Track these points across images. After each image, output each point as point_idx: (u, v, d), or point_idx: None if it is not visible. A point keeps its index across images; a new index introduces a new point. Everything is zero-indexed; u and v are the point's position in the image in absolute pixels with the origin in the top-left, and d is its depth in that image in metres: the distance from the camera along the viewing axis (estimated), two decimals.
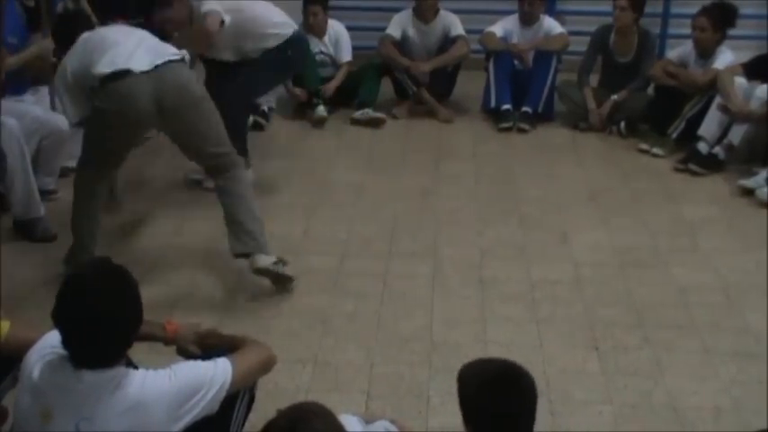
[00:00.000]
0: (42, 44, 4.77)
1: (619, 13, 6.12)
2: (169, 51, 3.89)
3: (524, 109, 6.39)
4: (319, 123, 6.27)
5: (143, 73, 3.72)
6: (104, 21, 5.67)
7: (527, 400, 2.18)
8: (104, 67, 3.72)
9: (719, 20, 5.72)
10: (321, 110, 6.33)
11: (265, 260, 3.92)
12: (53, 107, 4.90)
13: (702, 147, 5.54)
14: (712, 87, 5.61)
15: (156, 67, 3.76)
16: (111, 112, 3.74)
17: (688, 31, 5.97)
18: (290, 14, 6.65)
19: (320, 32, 6.57)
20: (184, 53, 3.95)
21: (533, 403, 2.18)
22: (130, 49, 3.80)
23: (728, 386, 3.36)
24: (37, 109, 4.81)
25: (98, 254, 2.32)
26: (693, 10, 5.96)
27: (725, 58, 5.75)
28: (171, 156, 5.98)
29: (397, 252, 4.43)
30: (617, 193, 5.28)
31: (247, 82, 4.99)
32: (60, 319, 2.14)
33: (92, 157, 3.96)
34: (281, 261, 3.95)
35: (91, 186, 3.98)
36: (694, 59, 5.89)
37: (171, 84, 3.78)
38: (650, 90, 6.28)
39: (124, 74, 3.71)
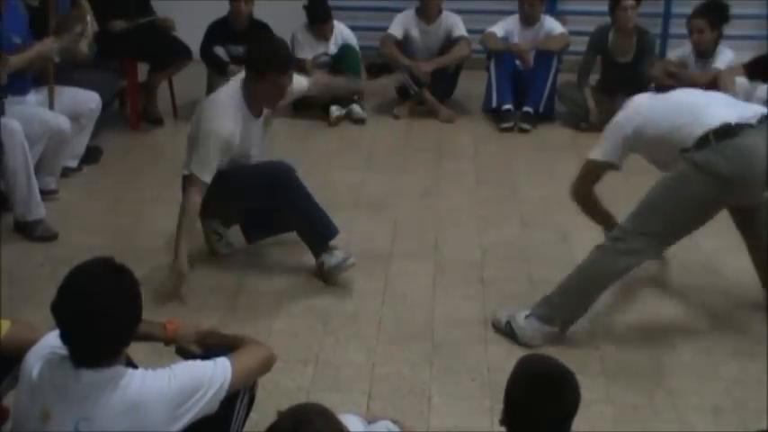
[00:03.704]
0: (45, 44, 4.74)
1: (631, 13, 6.13)
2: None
3: (525, 109, 6.40)
4: (336, 123, 6.29)
5: (753, 127, 3.36)
6: (105, 21, 5.73)
7: (567, 407, 2.20)
8: (710, 119, 3.38)
9: (716, 18, 5.72)
10: (334, 110, 6.37)
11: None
12: (52, 107, 4.90)
13: None
14: (713, 87, 5.60)
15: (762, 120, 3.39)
16: (727, 176, 3.32)
17: None
18: (290, 14, 6.74)
19: (326, 38, 6.59)
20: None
21: (574, 409, 2.21)
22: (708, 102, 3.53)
23: (728, 386, 3.36)
24: (45, 112, 4.80)
25: (99, 254, 2.32)
26: None
27: (725, 57, 5.75)
28: (170, 155, 6.01)
29: (397, 252, 4.43)
30: (618, 192, 5.26)
31: None
32: (60, 313, 2.15)
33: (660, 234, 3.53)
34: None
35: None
36: (694, 60, 5.89)
37: None
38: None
39: (739, 129, 3.34)
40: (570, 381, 2.22)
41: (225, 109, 3.90)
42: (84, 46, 5.14)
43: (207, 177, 3.87)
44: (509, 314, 3.64)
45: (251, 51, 4.03)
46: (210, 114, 3.91)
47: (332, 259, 4.04)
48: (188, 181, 3.94)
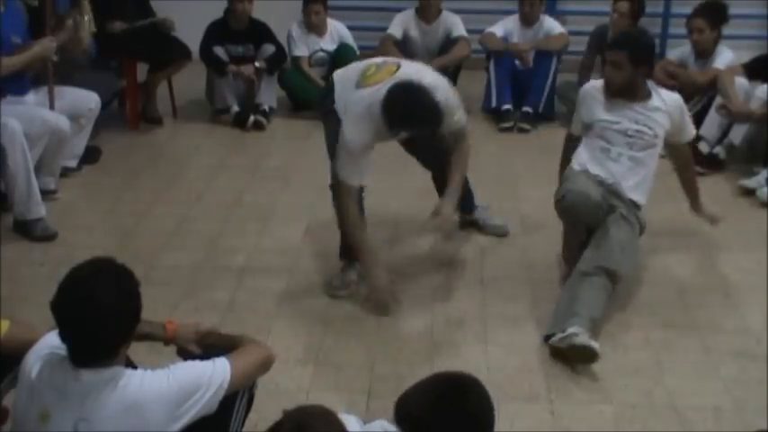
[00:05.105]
0: (44, 44, 4.74)
1: (617, 19, 6.14)
2: None
3: (525, 109, 6.40)
4: None
5: None
6: (104, 22, 5.74)
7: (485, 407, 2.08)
8: None
9: (715, 18, 5.73)
10: None
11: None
12: (52, 107, 4.90)
13: (703, 147, 5.54)
14: (712, 87, 5.61)
15: None
16: None
17: None
18: (290, 14, 6.74)
19: (321, 31, 6.60)
20: None
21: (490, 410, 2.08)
22: None
23: (728, 386, 3.36)
24: (45, 112, 4.80)
25: (98, 253, 2.32)
26: None
27: (724, 57, 5.75)
28: (169, 155, 6.01)
29: (397, 252, 4.43)
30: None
31: None
32: (59, 312, 2.15)
33: None
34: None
35: None
36: (694, 60, 5.89)
37: None
38: None
39: None
40: (475, 386, 2.08)
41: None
42: (83, 34, 5.14)
43: (357, 181, 3.72)
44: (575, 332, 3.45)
45: None
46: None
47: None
48: (338, 190, 3.75)
